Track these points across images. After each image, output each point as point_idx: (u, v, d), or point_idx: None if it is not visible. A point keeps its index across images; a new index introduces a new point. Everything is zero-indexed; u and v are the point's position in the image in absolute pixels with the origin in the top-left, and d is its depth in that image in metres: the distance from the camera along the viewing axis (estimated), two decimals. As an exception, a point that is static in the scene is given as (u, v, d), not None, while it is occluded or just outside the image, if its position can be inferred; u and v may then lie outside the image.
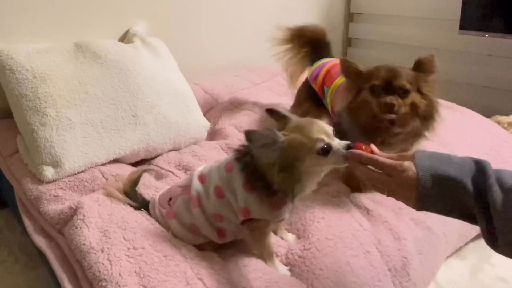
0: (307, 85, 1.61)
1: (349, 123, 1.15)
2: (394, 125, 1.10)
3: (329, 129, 0.89)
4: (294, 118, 0.93)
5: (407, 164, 0.76)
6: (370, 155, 0.81)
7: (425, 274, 1.15)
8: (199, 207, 1.01)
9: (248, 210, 0.96)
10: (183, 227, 1.04)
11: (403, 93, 1.07)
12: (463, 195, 0.73)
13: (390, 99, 1.06)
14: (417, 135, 1.15)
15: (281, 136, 0.87)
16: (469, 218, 0.75)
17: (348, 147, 0.85)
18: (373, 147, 0.84)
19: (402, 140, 1.14)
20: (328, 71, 1.45)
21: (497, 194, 0.70)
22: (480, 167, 0.74)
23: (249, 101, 1.93)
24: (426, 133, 1.15)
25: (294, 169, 0.87)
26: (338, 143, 0.87)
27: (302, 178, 0.89)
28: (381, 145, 1.12)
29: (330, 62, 1.51)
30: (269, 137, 0.86)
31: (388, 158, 0.80)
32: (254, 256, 1.03)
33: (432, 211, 0.78)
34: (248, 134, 0.85)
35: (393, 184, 0.77)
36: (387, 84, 1.07)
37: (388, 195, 0.80)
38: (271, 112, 0.95)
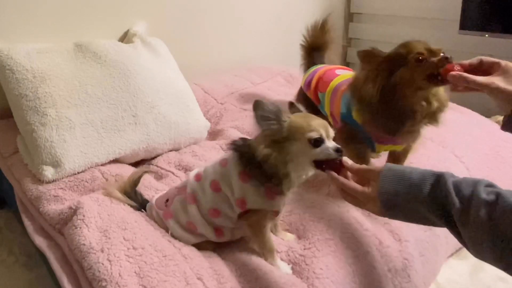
0: (302, 93, 1.59)
1: (362, 124, 1.15)
2: (430, 104, 1.07)
3: (332, 132, 0.93)
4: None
5: (369, 194, 0.85)
6: (342, 181, 0.89)
7: (426, 276, 1.15)
8: (195, 204, 1.02)
9: (244, 201, 0.97)
10: (180, 226, 1.05)
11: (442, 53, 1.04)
12: (423, 213, 0.78)
13: (442, 55, 1.00)
14: (436, 119, 1.11)
15: (285, 116, 0.92)
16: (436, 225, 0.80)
17: (338, 150, 0.90)
18: (345, 160, 0.92)
19: (424, 125, 1.12)
20: (320, 78, 1.43)
21: (455, 205, 0.72)
22: (438, 181, 0.77)
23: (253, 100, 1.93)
24: (441, 117, 1.11)
25: (282, 149, 0.91)
26: (331, 143, 0.92)
27: (286, 162, 0.92)
28: (400, 136, 1.12)
29: (321, 69, 1.50)
30: (273, 113, 0.91)
31: (359, 169, 0.90)
32: (254, 255, 1.03)
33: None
34: (257, 102, 0.90)
35: (361, 203, 0.89)
36: (428, 49, 1.04)
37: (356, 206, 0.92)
38: (292, 105, 1.00)
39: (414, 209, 0.78)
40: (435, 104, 1.07)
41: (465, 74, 0.89)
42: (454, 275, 1.32)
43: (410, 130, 1.10)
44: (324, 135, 0.91)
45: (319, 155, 0.91)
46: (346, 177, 0.90)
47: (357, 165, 0.91)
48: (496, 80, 0.84)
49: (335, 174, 0.90)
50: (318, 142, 0.90)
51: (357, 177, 0.91)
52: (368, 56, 1.09)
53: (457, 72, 0.91)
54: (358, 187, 0.86)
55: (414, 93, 1.04)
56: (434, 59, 1.00)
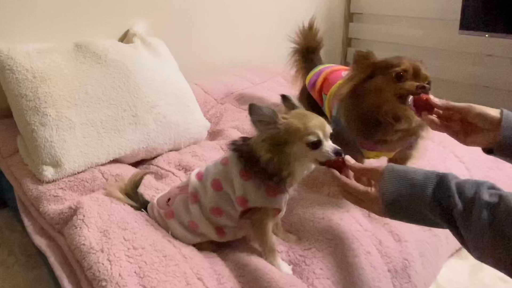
0: (305, 93, 1.59)
1: (346, 127, 1.15)
2: (399, 121, 1.06)
3: (329, 129, 0.93)
4: (301, 108, 0.98)
5: (371, 194, 0.83)
6: (344, 181, 0.87)
7: (426, 276, 1.15)
8: (197, 203, 1.02)
9: (245, 199, 0.97)
10: (181, 226, 1.05)
11: (427, 84, 1.03)
12: (426, 214, 0.77)
13: (421, 83, 1.00)
14: (414, 133, 1.12)
15: (280, 119, 0.92)
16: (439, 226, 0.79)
17: (337, 153, 0.90)
18: (347, 159, 0.90)
19: (399, 139, 1.12)
20: (325, 79, 1.43)
21: (458, 206, 0.72)
22: (441, 182, 0.76)
23: (253, 100, 1.92)
24: (424, 133, 1.13)
25: (282, 151, 0.91)
26: (329, 145, 0.91)
27: (289, 162, 0.92)
28: (379, 143, 1.12)
29: (327, 69, 1.49)
30: (269, 116, 0.91)
31: (361, 169, 0.88)
32: (255, 255, 1.03)
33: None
34: (251, 107, 0.90)
35: (363, 202, 0.86)
36: (415, 72, 1.03)
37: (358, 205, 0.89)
38: (285, 98, 1.00)
39: (417, 210, 0.78)
40: (403, 124, 1.06)
41: (446, 101, 0.94)
42: (454, 275, 1.32)
43: (384, 139, 1.10)
44: (321, 136, 0.90)
45: (318, 157, 0.91)
46: (347, 175, 0.90)
47: (359, 164, 0.90)
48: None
49: (337, 173, 0.89)
50: (316, 144, 0.90)
51: (359, 176, 0.90)
52: (360, 58, 1.10)
53: (440, 100, 0.95)
54: (360, 186, 0.86)
55: (381, 103, 1.05)
56: (412, 83, 1.00)
